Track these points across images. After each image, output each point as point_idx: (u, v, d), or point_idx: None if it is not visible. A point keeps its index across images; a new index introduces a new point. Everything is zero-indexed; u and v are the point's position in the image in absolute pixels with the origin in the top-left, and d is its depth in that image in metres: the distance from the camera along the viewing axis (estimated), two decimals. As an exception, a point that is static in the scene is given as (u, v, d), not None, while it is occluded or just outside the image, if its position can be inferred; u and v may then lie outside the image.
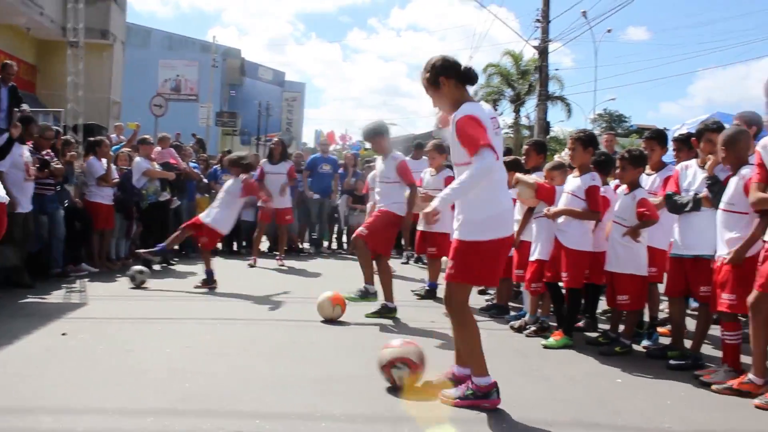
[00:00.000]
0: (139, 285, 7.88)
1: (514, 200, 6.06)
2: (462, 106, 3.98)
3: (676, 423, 3.88)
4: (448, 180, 8.13)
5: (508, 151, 9.29)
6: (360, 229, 6.82)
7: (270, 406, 3.87)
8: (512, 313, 6.93)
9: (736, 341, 4.75)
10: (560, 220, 5.79)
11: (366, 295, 6.65)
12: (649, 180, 6.15)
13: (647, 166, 6.05)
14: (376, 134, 6.76)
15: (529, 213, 6.48)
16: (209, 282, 8.08)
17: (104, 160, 9.44)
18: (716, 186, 4.97)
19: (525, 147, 7.07)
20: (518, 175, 6.52)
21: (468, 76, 4.08)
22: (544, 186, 6.17)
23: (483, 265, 3.95)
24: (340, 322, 6.28)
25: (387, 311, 6.68)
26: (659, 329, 6.15)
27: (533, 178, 6.38)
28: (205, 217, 8.42)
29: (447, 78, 4.04)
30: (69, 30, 13.81)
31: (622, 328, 5.75)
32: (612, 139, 10.21)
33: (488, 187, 3.85)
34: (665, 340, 5.80)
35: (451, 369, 4.37)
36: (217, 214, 8.35)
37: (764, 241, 4.40)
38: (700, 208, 5.13)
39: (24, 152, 7.57)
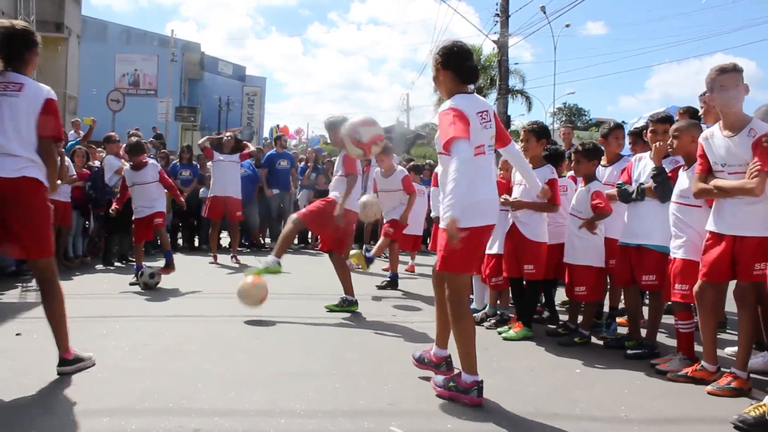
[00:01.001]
0: (153, 286, 7.87)
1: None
2: (452, 97, 4.03)
3: (633, 411, 3.94)
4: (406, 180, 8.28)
5: None
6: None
7: (229, 403, 3.83)
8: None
9: (689, 330, 4.86)
10: (519, 212, 5.84)
11: None
12: (606, 172, 6.23)
13: (603, 159, 6.15)
14: (336, 127, 6.59)
15: None
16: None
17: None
18: (660, 176, 5.07)
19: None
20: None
21: (468, 75, 4.11)
22: (500, 182, 6.20)
23: (464, 251, 3.89)
24: (300, 317, 6.25)
25: (348, 304, 6.67)
26: (618, 319, 6.25)
27: None
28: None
29: (445, 70, 4.08)
30: (21, 23, 13.48)
31: (581, 319, 5.82)
32: (569, 132, 10.33)
33: (467, 177, 3.73)
34: (624, 330, 5.89)
35: (430, 349, 4.45)
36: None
37: (708, 232, 4.49)
38: (644, 197, 5.22)
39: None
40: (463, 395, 3.97)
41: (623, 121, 10.20)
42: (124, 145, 9.59)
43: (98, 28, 44.38)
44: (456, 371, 4.18)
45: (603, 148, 6.17)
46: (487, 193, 4.07)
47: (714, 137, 4.46)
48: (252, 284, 6.07)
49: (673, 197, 4.89)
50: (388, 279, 8.48)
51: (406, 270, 10.20)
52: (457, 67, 4.07)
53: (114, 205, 8.53)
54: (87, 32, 29.24)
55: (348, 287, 6.73)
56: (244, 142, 12.10)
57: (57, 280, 4.33)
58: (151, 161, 8.77)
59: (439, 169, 4.72)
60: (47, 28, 17.52)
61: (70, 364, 4.30)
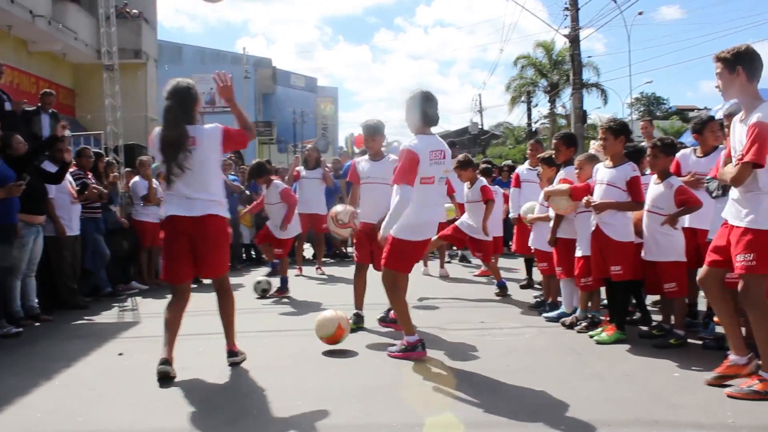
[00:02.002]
0: (264, 295, 8.36)
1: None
2: (416, 136, 5.15)
3: (741, 416, 3.78)
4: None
5: (537, 144, 9.23)
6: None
7: (327, 418, 3.89)
8: (548, 308, 6.91)
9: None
10: (602, 213, 5.72)
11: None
12: (702, 162, 5.96)
13: (698, 151, 5.99)
14: (378, 132, 6.42)
15: (559, 216, 6.42)
16: (283, 290, 8.51)
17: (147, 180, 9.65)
18: None
19: (554, 141, 6.88)
20: (547, 189, 6.48)
21: (430, 120, 5.19)
22: (577, 188, 6.08)
23: (401, 257, 5.17)
24: (384, 328, 6.26)
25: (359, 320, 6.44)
26: (716, 318, 6.02)
27: (562, 186, 6.26)
28: (273, 229, 8.80)
29: (412, 114, 5.17)
30: (103, 53, 14.06)
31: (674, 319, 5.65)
32: (648, 126, 10.03)
33: (412, 205, 4.94)
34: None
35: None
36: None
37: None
38: (725, 194, 5.03)
39: (66, 175, 7.73)
40: (411, 353, 5.12)
41: (705, 107, 9.90)
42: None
43: (173, 51, 45.77)
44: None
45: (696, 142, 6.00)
46: (430, 216, 5.18)
47: (735, 123, 4.35)
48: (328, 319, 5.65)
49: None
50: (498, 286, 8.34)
51: (479, 274, 10.12)
52: (424, 114, 5.13)
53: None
54: (163, 56, 30.22)
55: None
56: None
57: (230, 288, 5.18)
58: (275, 181, 9.00)
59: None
60: (127, 56, 18.19)
61: (236, 355, 5.11)
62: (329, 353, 5.41)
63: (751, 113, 4.12)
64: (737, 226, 4.22)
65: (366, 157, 6.60)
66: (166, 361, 4.72)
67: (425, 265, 10.22)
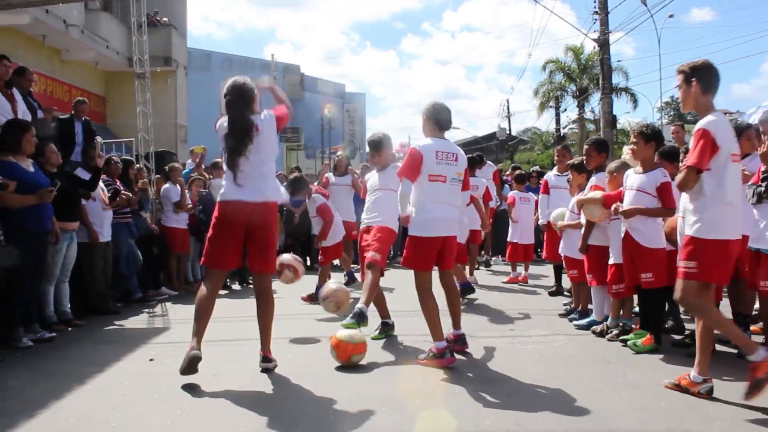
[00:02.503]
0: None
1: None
2: (428, 137, 5.47)
3: (776, 428, 3.72)
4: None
5: (565, 149, 9.14)
6: (372, 254, 6.18)
7: (354, 427, 3.89)
8: (577, 316, 6.85)
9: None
10: (632, 219, 5.66)
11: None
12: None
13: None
14: (385, 146, 6.64)
15: (590, 223, 6.37)
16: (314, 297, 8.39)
17: (178, 186, 9.74)
18: None
19: (585, 147, 6.84)
20: (579, 197, 6.44)
21: (442, 125, 5.51)
22: (610, 196, 6.03)
23: (415, 253, 5.35)
24: (413, 334, 6.24)
25: (388, 328, 6.45)
26: (752, 327, 5.94)
27: (596, 194, 6.22)
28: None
29: (428, 119, 5.50)
30: (135, 61, 14.26)
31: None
32: (679, 131, 9.93)
33: (418, 199, 5.34)
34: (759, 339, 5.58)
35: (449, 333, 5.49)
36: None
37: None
38: (760, 200, 4.97)
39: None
40: (441, 359, 5.13)
41: (738, 111, 9.76)
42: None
43: (202, 59, 46.29)
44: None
45: None
46: (441, 213, 5.34)
47: None
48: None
49: None
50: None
51: (508, 281, 10.08)
52: (436, 120, 5.46)
53: None
54: (192, 63, 30.55)
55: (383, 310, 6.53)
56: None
57: (272, 291, 5.30)
58: (314, 195, 8.87)
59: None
60: (157, 63, 18.44)
61: (269, 361, 5.14)
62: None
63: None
64: (687, 234, 4.33)
65: (374, 171, 6.83)
66: (196, 348, 4.81)
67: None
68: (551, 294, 8.62)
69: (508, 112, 48.37)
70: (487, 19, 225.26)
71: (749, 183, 5.21)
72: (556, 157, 9.14)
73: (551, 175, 8.79)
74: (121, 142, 14.66)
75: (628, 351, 5.58)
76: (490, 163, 11.66)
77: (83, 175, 7.59)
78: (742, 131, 5.86)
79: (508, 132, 49.32)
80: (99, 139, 9.93)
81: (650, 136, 5.72)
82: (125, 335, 6.85)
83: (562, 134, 37.67)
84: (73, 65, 17.76)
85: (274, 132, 5.16)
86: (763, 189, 4.88)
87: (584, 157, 6.77)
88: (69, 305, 7.24)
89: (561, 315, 7.15)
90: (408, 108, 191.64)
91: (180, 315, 7.81)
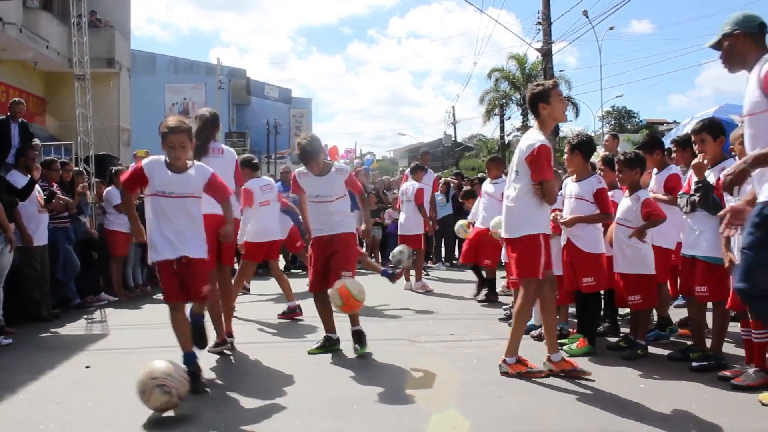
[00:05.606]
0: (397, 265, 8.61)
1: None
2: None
3: (703, 427, 3.86)
4: None
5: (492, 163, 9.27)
6: (345, 273, 5.72)
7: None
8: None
9: (763, 340, 4.68)
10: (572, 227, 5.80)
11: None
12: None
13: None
14: (319, 151, 5.98)
15: None
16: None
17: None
18: (702, 188, 5.00)
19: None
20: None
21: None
22: None
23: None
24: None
25: (331, 343, 6.05)
26: (680, 330, 6.14)
27: None
28: None
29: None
30: (75, 62, 13.95)
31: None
32: (611, 140, 10.22)
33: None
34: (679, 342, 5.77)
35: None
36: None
37: None
38: (694, 209, 5.13)
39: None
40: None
41: (675, 121, 10.12)
42: None
43: (147, 61, 45.39)
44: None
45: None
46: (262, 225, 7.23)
47: None
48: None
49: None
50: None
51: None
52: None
53: None
54: (136, 65, 29.97)
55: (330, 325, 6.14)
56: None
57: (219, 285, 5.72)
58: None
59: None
60: (99, 65, 18.07)
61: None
62: (300, 365, 5.41)
63: None
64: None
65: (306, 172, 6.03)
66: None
67: (407, 279, 10.14)
68: (483, 301, 8.65)
69: (454, 119, 48.91)
70: (433, 27, 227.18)
71: (680, 192, 5.39)
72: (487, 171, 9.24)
73: (486, 183, 8.88)
74: (60, 145, 14.32)
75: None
76: (431, 171, 11.80)
77: (18, 178, 7.40)
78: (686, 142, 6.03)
79: (453, 139, 49.81)
80: (36, 141, 9.73)
81: (575, 146, 5.90)
82: (62, 342, 6.70)
83: (506, 142, 38.24)
84: (10, 65, 17.28)
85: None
86: (696, 198, 5.05)
87: None
88: (1, 312, 7.01)
89: (501, 320, 7.25)
90: (355, 114, 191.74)
91: (119, 321, 7.68)
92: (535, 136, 4.93)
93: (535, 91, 5.02)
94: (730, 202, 4.31)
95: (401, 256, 8.68)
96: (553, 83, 5.09)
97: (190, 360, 4.68)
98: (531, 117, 5.21)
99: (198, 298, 4.87)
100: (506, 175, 8.22)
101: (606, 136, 10.80)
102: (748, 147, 3.76)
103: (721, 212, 4.01)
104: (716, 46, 4.02)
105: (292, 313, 7.61)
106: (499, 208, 7.89)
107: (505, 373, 4.96)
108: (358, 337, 5.77)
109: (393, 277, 8.27)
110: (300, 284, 10.12)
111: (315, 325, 6.73)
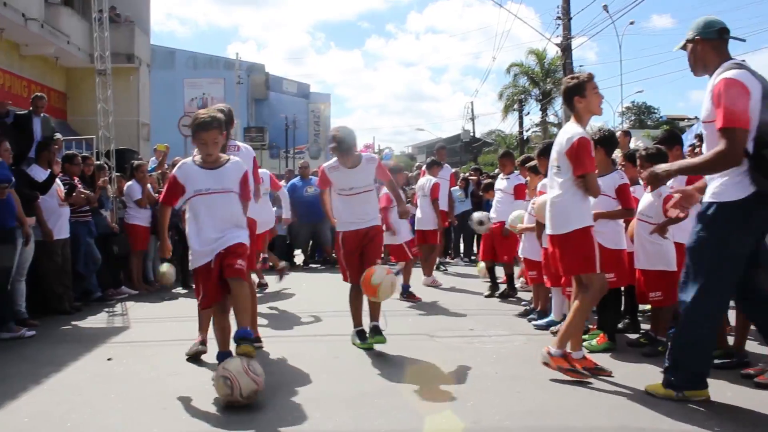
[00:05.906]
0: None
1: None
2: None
3: (725, 425, 3.81)
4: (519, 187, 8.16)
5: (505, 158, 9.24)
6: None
7: (314, 424, 3.90)
8: (536, 316, 6.98)
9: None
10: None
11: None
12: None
13: None
14: (355, 143, 5.92)
15: (540, 224, 6.45)
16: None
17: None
18: None
19: (535, 152, 6.97)
20: (535, 199, 6.51)
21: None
22: None
23: None
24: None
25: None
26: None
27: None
28: None
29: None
30: (96, 57, 14.04)
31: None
32: (623, 137, 10.14)
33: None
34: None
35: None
36: None
37: None
38: None
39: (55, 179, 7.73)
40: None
41: (696, 117, 10.00)
42: None
43: (166, 56, 45.67)
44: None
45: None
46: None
47: None
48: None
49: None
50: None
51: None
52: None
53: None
54: (156, 61, 30.12)
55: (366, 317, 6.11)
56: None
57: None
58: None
59: None
60: (119, 60, 18.13)
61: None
62: (319, 359, 5.43)
63: None
64: None
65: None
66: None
67: (426, 275, 10.09)
68: (501, 296, 8.62)
69: (473, 115, 48.73)
70: (452, 22, 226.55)
71: None
72: (499, 167, 9.32)
73: (498, 178, 8.87)
74: (81, 139, 14.43)
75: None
76: (447, 165, 11.75)
77: (39, 172, 7.48)
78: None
79: (472, 134, 49.64)
80: (58, 135, 9.81)
81: (597, 141, 5.84)
82: (83, 335, 6.76)
83: (525, 137, 38.09)
84: (32, 60, 17.41)
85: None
86: None
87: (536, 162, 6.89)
88: (24, 305, 7.09)
89: (520, 315, 7.24)
90: (373, 109, 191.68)
91: (139, 314, 7.74)
92: (573, 129, 4.84)
93: (570, 85, 4.92)
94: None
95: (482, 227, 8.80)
96: (588, 76, 4.96)
97: (222, 359, 4.60)
98: (550, 112, 5.18)
99: (232, 271, 4.51)
100: (518, 170, 8.25)
101: (618, 133, 10.69)
102: (704, 149, 4.16)
103: (673, 194, 4.47)
104: (684, 49, 4.21)
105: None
106: (512, 203, 7.97)
107: (546, 364, 4.80)
108: (376, 332, 5.76)
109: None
110: (314, 278, 10.16)
111: (331, 320, 6.77)
